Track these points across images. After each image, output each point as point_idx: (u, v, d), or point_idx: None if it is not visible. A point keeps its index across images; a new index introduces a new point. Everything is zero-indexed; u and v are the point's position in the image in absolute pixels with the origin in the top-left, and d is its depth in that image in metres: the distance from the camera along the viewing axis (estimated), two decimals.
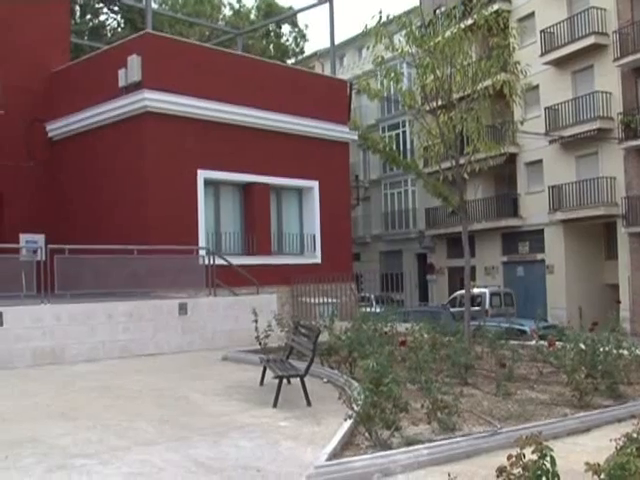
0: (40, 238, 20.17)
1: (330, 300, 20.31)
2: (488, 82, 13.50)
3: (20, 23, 21.59)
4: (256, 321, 12.22)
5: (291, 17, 46.98)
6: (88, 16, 43.67)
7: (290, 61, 49.43)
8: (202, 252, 18.12)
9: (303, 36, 53.48)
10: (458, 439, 7.54)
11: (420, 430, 7.98)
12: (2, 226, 21.19)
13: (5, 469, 6.89)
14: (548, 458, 4.85)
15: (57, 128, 21.78)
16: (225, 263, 17.87)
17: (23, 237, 20.54)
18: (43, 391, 11.16)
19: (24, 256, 17.60)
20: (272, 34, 51.03)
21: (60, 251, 15.17)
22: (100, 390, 11.18)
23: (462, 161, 13.91)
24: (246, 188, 21.57)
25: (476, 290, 29.77)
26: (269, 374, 10.68)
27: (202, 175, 19.97)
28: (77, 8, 41.55)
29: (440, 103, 14.00)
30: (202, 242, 19.52)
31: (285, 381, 10.17)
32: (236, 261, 18.61)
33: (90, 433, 8.27)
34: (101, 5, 44.15)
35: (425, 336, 12.81)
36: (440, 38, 13.44)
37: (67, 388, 11.44)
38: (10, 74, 21.38)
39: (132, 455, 7.33)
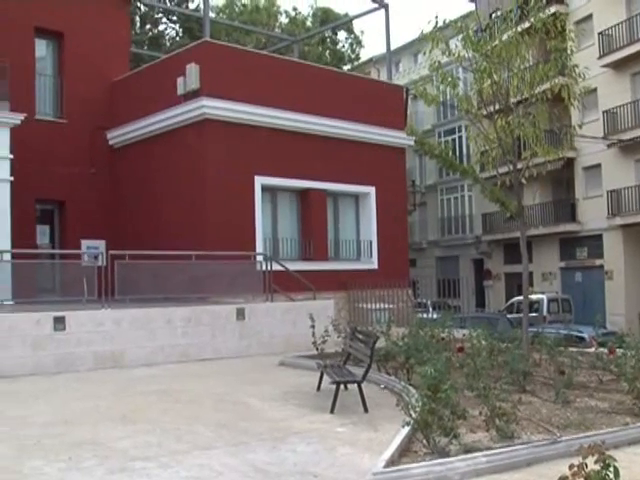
0: (101, 244, 20.57)
1: (386, 306, 20.27)
2: (546, 86, 13.33)
3: (83, 35, 22.06)
4: (313, 326, 12.25)
5: (347, 24, 47.06)
6: (148, 26, 44.35)
7: (346, 67, 49.50)
8: (259, 258, 18.23)
9: (359, 42, 53.52)
10: (517, 447, 7.45)
11: (478, 437, 7.91)
12: (65, 232, 21.64)
13: (68, 470, 7.03)
14: (612, 468, 4.74)
15: (118, 136, 22.16)
16: (282, 269, 17.95)
17: (85, 243, 20.97)
18: (104, 394, 11.34)
19: (85, 262, 17.93)
20: (328, 41, 51.17)
21: (120, 257, 15.41)
22: (159, 394, 11.31)
23: (520, 166, 13.76)
24: (303, 194, 21.65)
25: (534, 296, 29.36)
26: (326, 380, 10.69)
27: (259, 181, 20.11)
28: (137, 19, 42.25)
29: (497, 107, 13.87)
30: (259, 248, 19.64)
31: (342, 387, 10.18)
32: (293, 267, 18.68)
33: (149, 436, 8.38)
34: (160, 15, 44.82)
35: (483, 342, 12.69)
36: (497, 42, 13.32)
37: (127, 392, 11.61)
38: (73, 84, 21.90)
39: (191, 459, 7.40)
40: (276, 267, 17.68)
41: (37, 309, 14.10)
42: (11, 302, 14.95)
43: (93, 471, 6.99)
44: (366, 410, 9.66)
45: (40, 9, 21.31)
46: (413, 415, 7.47)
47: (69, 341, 13.84)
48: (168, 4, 43.23)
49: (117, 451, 7.71)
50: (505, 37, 13.31)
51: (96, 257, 17.15)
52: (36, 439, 8.21)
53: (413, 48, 47.21)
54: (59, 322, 13.78)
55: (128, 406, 10.28)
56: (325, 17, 49.12)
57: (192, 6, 44.01)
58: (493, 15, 28.95)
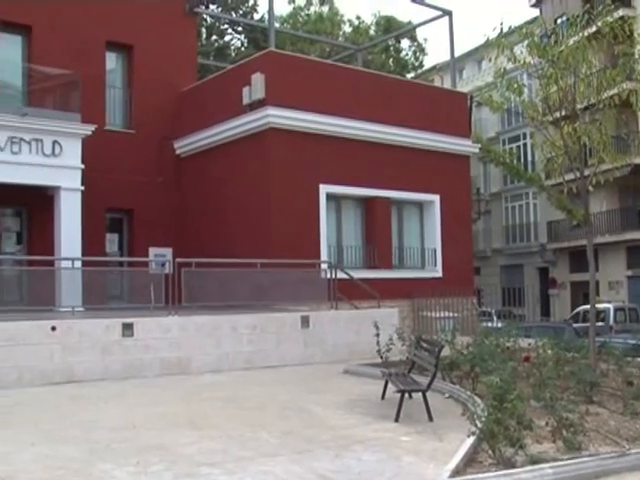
0: (168, 252, 20.88)
1: (451, 314, 20.13)
2: (613, 91, 13.10)
3: (152, 47, 22.47)
4: (378, 335, 12.26)
5: (410, 31, 46.95)
6: (214, 37, 44.94)
7: (409, 75, 49.39)
8: (324, 266, 18.29)
9: (422, 50, 53.35)
10: (585, 459, 7.35)
11: (545, 449, 7.82)
12: (133, 240, 22.04)
13: (136, 474, 7.17)
14: None
15: (184, 145, 22.49)
16: (346, 277, 17.98)
17: (152, 251, 21.32)
18: (170, 400, 11.52)
19: (153, 269, 18.24)
20: (391, 49, 51.12)
21: (187, 264, 15.64)
22: (225, 400, 11.43)
23: (586, 173, 13.54)
24: (367, 202, 21.65)
25: (600, 305, 28.82)
26: (390, 388, 10.68)
27: (324, 189, 20.18)
28: (203, 30, 42.85)
29: (563, 114, 13.68)
30: (324, 256, 19.69)
31: (407, 395, 10.16)
32: (357, 275, 18.68)
33: (215, 442, 8.48)
34: (226, 26, 45.38)
35: (549, 352, 12.52)
36: (563, 47, 13.16)
37: (193, 398, 11.76)
38: (142, 95, 22.32)
39: (255, 466, 7.47)
40: (340, 275, 17.73)
41: (106, 315, 14.41)
42: (81, 308, 15.29)
43: (161, 476, 7.12)
44: (431, 419, 9.62)
45: (111, 23, 21.80)
46: (479, 425, 7.43)
47: (137, 347, 14.10)
48: (234, 15, 43.73)
49: (184, 456, 7.83)
50: (571, 42, 13.14)
51: (163, 265, 17.45)
52: (106, 443, 8.40)
53: (477, 55, 46.86)
54: (127, 328, 14.06)
55: (194, 412, 10.42)
56: (388, 25, 49.10)
57: (257, 17, 44.47)
58: (558, 20, 28.60)
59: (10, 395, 11.86)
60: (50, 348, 13.27)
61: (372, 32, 50.54)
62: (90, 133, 18.87)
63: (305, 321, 16.29)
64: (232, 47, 46.22)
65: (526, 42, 13.38)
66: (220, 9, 43.54)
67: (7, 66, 20.13)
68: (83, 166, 18.69)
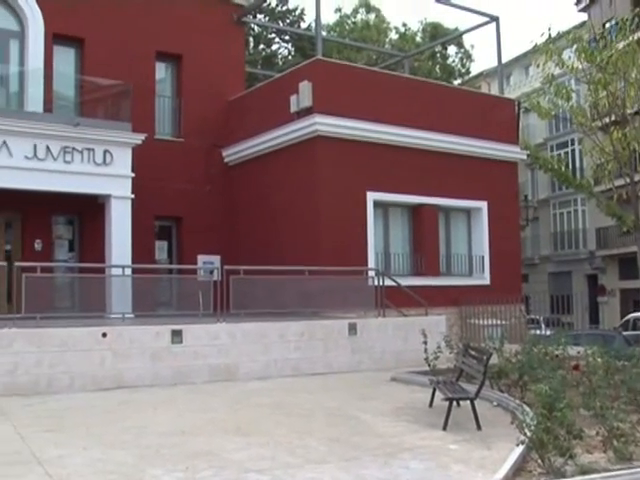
0: (216, 259, 21.05)
1: (499, 322, 19.97)
2: None
3: (200, 56, 22.72)
4: (425, 342, 12.23)
5: (457, 38, 46.76)
6: (261, 46, 45.27)
7: (456, 82, 49.18)
8: (371, 273, 18.28)
9: (469, 56, 53.11)
10: (636, 469, 7.25)
11: (595, 459, 7.73)
12: (182, 248, 22.26)
13: None
14: None
15: (232, 153, 22.66)
16: (394, 284, 17.95)
17: (201, 258, 21.51)
18: (219, 406, 11.61)
19: (202, 276, 18.41)
20: (438, 55, 50.98)
21: (235, 272, 15.76)
22: (272, 407, 11.49)
23: (637, 178, 13.38)
24: (415, 209, 21.59)
25: None
26: (438, 396, 10.64)
27: (371, 197, 20.17)
28: (251, 39, 43.20)
29: (613, 119, 13.54)
30: (371, 263, 19.67)
31: (454, 403, 10.11)
32: (405, 282, 18.64)
33: (263, 449, 8.52)
34: (273, 35, 45.69)
35: (598, 360, 12.36)
36: (612, 52, 13.02)
37: (241, 404, 11.83)
38: (191, 104, 22.58)
39: (304, 473, 7.50)
40: (388, 282, 17.71)
41: (156, 322, 14.55)
42: (131, 315, 15.49)
43: None
44: (479, 427, 9.57)
45: (161, 34, 22.10)
46: (528, 434, 7.37)
47: (186, 354, 14.24)
48: (281, 24, 44.03)
49: (232, 462, 7.89)
50: (621, 46, 13.00)
51: (212, 272, 17.61)
52: (155, 448, 8.50)
53: (524, 61, 46.50)
54: (176, 335, 14.21)
55: (242, 418, 10.49)
56: (435, 32, 48.98)
57: (304, 25, 44.70)
58: (607, 24, 28.26)
59: (62, 400, 12.07)
60: (101, 354, 13.47)
61: (419, 39, 50.45)
62: (140, 142, 19.14)
63: (353, 328, 16.30)
64: (279, 56, 46.50)
65: (574, 47, 13.29)
66: (267, 18, 43.89)
67: (61, 78, 20.53)
68: (133, 174, 18.95)
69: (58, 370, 13.03)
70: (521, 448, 7.60)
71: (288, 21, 44.74)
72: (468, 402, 9.93)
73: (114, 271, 16.64)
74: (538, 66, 14.06)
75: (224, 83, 23.05)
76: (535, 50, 13.80)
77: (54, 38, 20.46)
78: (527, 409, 9.46)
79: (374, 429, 9.80)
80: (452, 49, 52.37)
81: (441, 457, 8.16)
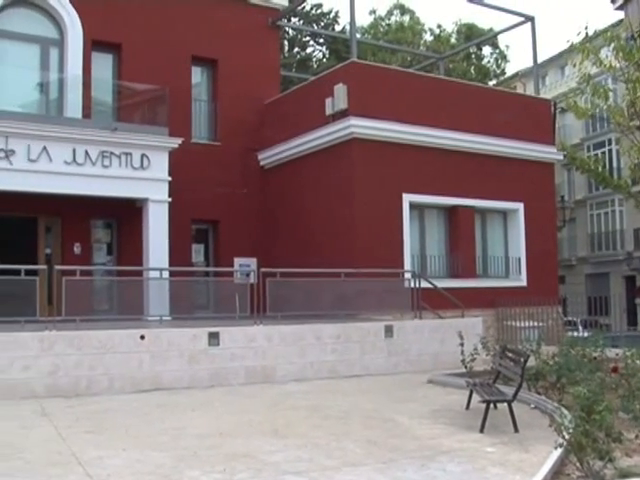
0: (252, 262, 21.15)
1: (536, 324, 19.83)
2: None
3: (236, 60, 22.85)
4: (462, 344, 12.19)
5: (492, 38, 46.51)
6: (296, 49, 45.41)
7: (491, 82, 48.87)
8: (407, 275, 18.26)
9: (504, 57, 52.75)
10: None
11: (634, 462, 7.67)
12: (218, 251, 22.40)
13: None
14: None
15: (268, 157, 22.76)
16: (430, 286, 17.91)
17: (237, 261, 21.62)
18: (256, 408, 11.66)
19: (238, 279, 18.52)
20: (473, 56, 50.72)
21: (271, 274, 15.84)
22: (309, 409, 11.52)
23: None
24: (451, 211, 21.52)
25: None
26: (475, 398, 10.61)
27: (407, 199, 20.14)
28: (286, 43, 43.36)
29: None
30: (407, 265, 19.63)
31: (492, 406, 10.07)
32: (441, 284, 18.59)
33: (300, 451, 8.55)
34: (307, 38, 45.81)
35: (638, 362, 12.22)
36: None
37: (278, 406, 11.88)
38: (227, 108, 22.72)
39: (341, 475, 7.51)
40: (424, 284, 17.67)
41: (193, 325, 14.68)
42: (169, 318, 15.63)
43: None
44: (516, 430, 9.52)
45: (196, 39, 22.28)
46: (566, 436, 7.31)
47: (223, 356, 14.34)
48: (315, 27, 44.14)
49: (269, 464, 7.92)
50: None
51: (248, 275, 17.73)
52: (193, 450, 8.56)
53: (560, 60, 46.04)
54: (214, 337, 14.31)
55: (279, 420, 10.53)
56: (469, 33, 48.72)
57: (338, 28, 44.75)
58: None
59: (101, 402, 12.22)
60: (139, 356, 13.61)
61: (453, 40, 50.23)
62: (177, 146, 19.31)
63: (389, 330, 16.30)
64: (314, 59, 46.62)
65: (611, 45, 13.15)
66: (302, 22, 44.03)
67: (99, 84, 20.80)
68: (170, 178, 19.13)
69: (97, 372, 13.20)
70: (559, 451, 7.55)
71: (323, 24, 44.84)
72: (505, 404, 9.88)
73: (152, 274, 16.78)
74: (574, 65, 13.97)
75: (259, 87, 23.16)
76: (571, 49, 13.70)
77: (92, 45, 20.73)
78: (565, 412, 9.40)
79: (411, 431, 9.79)
80: (487, 50, 52.09)
81: (478, 460, 8.13)
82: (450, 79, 26.65)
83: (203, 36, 22.45)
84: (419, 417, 10.79)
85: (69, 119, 19.06)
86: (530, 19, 24.79)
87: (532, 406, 11.23)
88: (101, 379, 13.22)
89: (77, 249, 20.08)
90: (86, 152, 18.05)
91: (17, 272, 13.98)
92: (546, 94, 39.43)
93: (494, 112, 21.75)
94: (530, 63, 26.43)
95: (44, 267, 16.03)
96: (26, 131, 17.37)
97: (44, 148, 17.57)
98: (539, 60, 26.94)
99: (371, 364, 15.87)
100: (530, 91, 37.87)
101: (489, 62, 52.54)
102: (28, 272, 14.09)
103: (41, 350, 12.87)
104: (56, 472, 7.62)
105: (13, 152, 17.25)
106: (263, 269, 16.16)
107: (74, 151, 17.93)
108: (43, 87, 20.32)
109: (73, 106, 19.85)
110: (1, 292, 14.15)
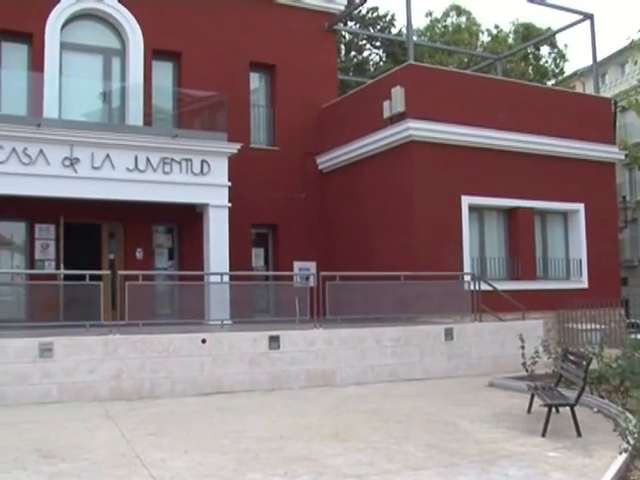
0: (312, 265, 21.25)
1: (598, 326, 19.53)
2: None
3: (293, 65, 23.04)
4: (523, 347, 12.09)
5: (550, 38, 45.87)
6: (352, 53, 45.44)
7: (550, 82, 48.18)
8: (467, 277, 18.16)
9: (562, 56, 51.90)
10: None
11: None
12: (278, 255, 22.56)
13: None
14: None
15: (326, 161, 22.85)
16: (489, 288, 17.78)
17: (297, 265, 21.74)
18: (316, 412, 11.72)
19: (298, 283, 18.61)
20: (531, 56, 50.06)
21: (331, 278, 15.89)
22: (369, 413, 11.54)
23: None
24: (510, 213, 21.33)
25: None
26: (537, 402, 10.52)
27: (466, 201, 20.03)
28: (342, 47, 43.43)
29: None
30: (467, 267, 19.53)
31: (553, 410, 9.97)
32: (500, 286, 18.44)
33: (361, 455, 8.58)
34: (364, 42, 45.82)
35: None
36: None
37: (338, 410, 11.92)
38: (285, 113, 22.91)
39: (401, 479, 7.53)
40: (484, 287, 17.55)
41: (253, 328, 14.79)
42: (229, 322, 15.80)
43: None
44: (579, 434, 9.41)
45: (254, 45, 22.51)
46: (631, 441, 7.21)
47: (283, 359, 14.44)
48: (371, 31, 44.13)
49: (330, 468, 7.97)
50: None
51: (308, 278, 17.83)
52: (254, 453, 8.65)
53: (620, 58, 45.25)
54: (274, 341, 14.42)
55: (340, 424, 10.57)
56: (527, 33, 48.08)
57: (394, 31, 44.67)
58: None
59: (164, 404, 12.43)
60: (201, 360, 13.79)
61: (511, 40, 49.66)
62: (236, 151, 19.51)
63: (449, 333, 16.23)
64: (371, 62, 46.57)
65: None
66: (358, 25, 44.05)
67: (160, 91, 21.23)
68: (230, 183, 19.33)
69: (160, 375, 13.42)
70: (624, 456, 7.45)
71: (379, 27, 44.80)
72: (567, 408, 9.78)
73: (212, 278, 16.96)
74: (635, 63, 13.76)
75: (317, 91, 23.29)
76: (632, 46, 13.50)
77: (153, 53, 21.13)
78: (629, 416, 9.26)
79: (472, 435, 9.75)
80: (545, 49, 51.34)
81: (540, 464, 8.07)
82: (508, 79, 26.43)
83: (261, 42, 22.67)
84: (480, 421, 10.74)
85: (131, 127, 19.43)
86: (589, 17, 24.43)
87: (595, 410, 11.08)
88: (163, 382, 13.43)
89: (139, 254, 20.43)
90: (147, 159, 18.37)
91: (82, 277, 14.31)
92: (606, 93, 38.83)
93: (553, 112, 21.50)
94: (589, 62, 26.08)
95: (108, 272, 16.33)
96: (90, 139, 17.75)
97: (107, 156, 17.92)
98: (598, 58, 26.54)
99: (431, 367, 15.83)
100: (590, 90, 37.33)
101: (547, 62, 51.78)
102: (92, 277, 14.41)
103: (105, 354, 13.15)
104: (121, 473, 7.79)
105: (78, 160, 17.65)
106: (323, 272, 16.23)
107: (136, 158, 18.26)
108: (106, 96, 20.76)
109: (134, 114, 20.25)
110: (67, 297, 14.55)
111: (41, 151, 17.32)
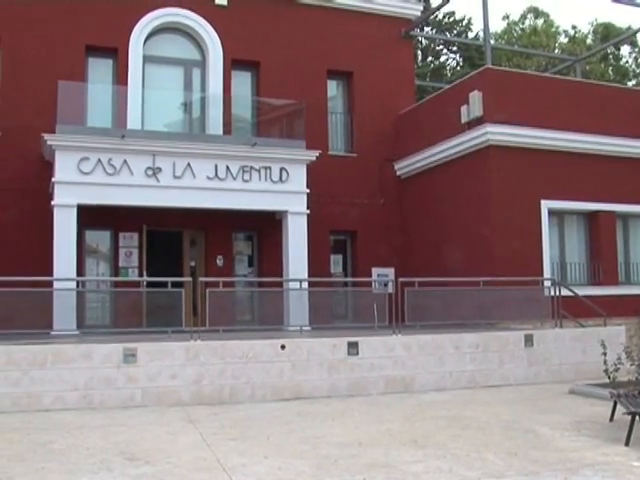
0: (390, 271, 21.25)
1: None
2: None
3: (370, 72, 23.13)
4: (605, 354, 11.90)
5: (630, 37, 44.87)
6: (429, 58, 45.32)
7: (631, 83, 47.12)
8: (547, 283, 17.93)
9: None
10: None
11: None
12: (356, 261, 22.65)
13: None
14: None
15: (404, 167, 22.85)
16: (570, 294, 17.52)
17: (375, 271, 21.76)
18: (394, 418, 11.74)
19: (376, 289, 18.66)
20: (610, 57, 49.06)
21: (410, 284, 15.89)
22: (448, 419, 11.51)
23: None
24: (591, 216, 20.95)
25: None
26: (619, 409, 10.35)
27: (546, 205, 19.77)
28: (419, 52, 43.35)
29: None
30: (547, 273, 19.27)
31: (637, 418, 9.79)
32: (581, 291, 18.13)
33: (440, 461, 8.58)
34: (441, 47, 45.65)
35: None
36: None
37: (417, 416, 11.92)
38: (362, 119, 23.03)
39: None
40: (564, 292, 17.31)
41: (332, 334, 14.91)
42: (308, 328, 15.96)
43: None
44: None
45: (331, 52, 22.71)
46: None
47: (362, 365, 14.51)
48: (448, 35, 43.93)
49: (409, 474, 7.98)
50: None
51: (386, 284, 17.87)
52: (333, 458, 8.72)
53: None
54: (353, 347, 14.50)
55: (418, 430, 10.59)
56: (606, 33, 47.17)
57: (471, 35, 44.38)
58: None
59: (244, 410, 12.62)
60: (280, 366, 13.97)
61: (589, 41, 48.81)
62: (314, 159, 19.69)
63: (529, 340, 16.06)
64: (448, 67, 46.39)
65: None
66: (435, 30, 43.91)
67: (239, 101, 21.61)
68: (308, 190, 19.53)
69: (240, 381, 13.64)
70: None
71: (455, 32, 44.59)
72: None
73: (291, 285, 17.11)
74: None
75: (394, 97, 23.32)
76: None
77: (232, 64, 21.52)
78: None
79: (553, 443, 9.65)
80: (625, 49, 50.27)
81: (624, 474, 7.94)
82: (587, 81, 25.98)
83: (338, 50, 22.84)
84: (561, 428, 10.61)
85: (211, 136, 19.82)
86: None
87: None
88: (244, 387, 13.65)
89: (219, 261, 20.79)
90: (227, 167, 18.70)
91: (164, 284, 14.66)
92: None
93: (634, 113, 21.04)
94: None
95: (189, 279, 16.69)
96: (171, 149, 18.19)
97: (188, 165, 18.32)
98: None
99: (510, 374, 15.69)
100: None
101: (627, 62, 50.68)
102: (174, 284, 14.71)
103: (187, 359, 13.44)
104: (201, 477, 7.96)
105: (160, 170, 18.09)
106: (401, 279, 16.24)
107: (216, 167, 18.61)
108: (186, 106, 21.22)
109: (214, 123, 20.65)
110: (150, 303, 14.93)
111: (125, 161, 17.84)
